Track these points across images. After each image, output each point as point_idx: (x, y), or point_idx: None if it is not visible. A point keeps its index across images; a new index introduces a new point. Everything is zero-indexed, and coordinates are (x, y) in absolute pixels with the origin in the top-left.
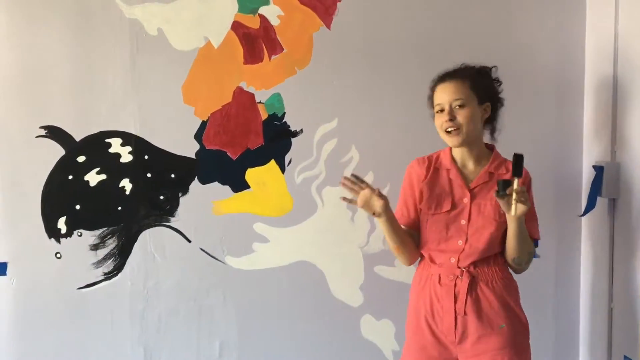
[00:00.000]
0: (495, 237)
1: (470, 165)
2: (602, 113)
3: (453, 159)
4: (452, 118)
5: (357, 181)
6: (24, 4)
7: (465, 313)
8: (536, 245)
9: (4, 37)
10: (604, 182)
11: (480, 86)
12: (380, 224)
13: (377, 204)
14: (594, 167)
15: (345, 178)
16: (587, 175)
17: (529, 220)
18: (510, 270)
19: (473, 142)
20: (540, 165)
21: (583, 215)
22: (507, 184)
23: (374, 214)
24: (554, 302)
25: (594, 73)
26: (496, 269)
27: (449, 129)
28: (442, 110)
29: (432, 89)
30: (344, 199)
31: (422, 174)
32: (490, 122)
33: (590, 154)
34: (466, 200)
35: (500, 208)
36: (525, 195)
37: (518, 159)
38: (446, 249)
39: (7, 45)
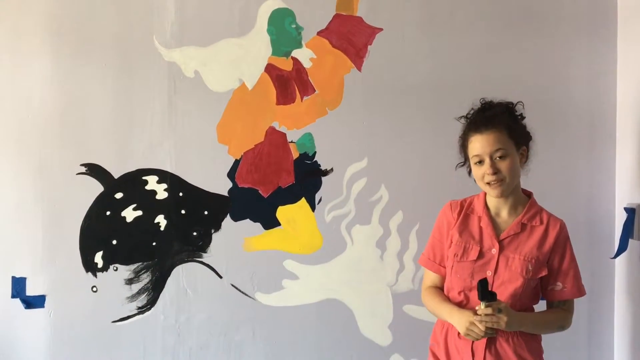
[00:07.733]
0: (519, 293)
1: (504, 213)
2: (634, 154)
3: (486, 206)
4: (496, 171)
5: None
6: (68, 47)
7: None
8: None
9: (48, 78)
10: (636, 224)
11: (516, 132)
12: None
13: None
14: (625, 209)
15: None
16: (619, 218)
17: (570, 279)
18: None
19: (511, 191)
20: (572, 207)
21: (615, 257)
22: (487, 295)
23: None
24: (587, 350)
25: (626, 114)
26: None
27: (492, 182)
28: (481, 162)
29: (465, 139)
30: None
31: (453, 219)
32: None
33: (622, 195)
34: (494, 251)
35: (529, 264)
36: (495, 319)
37: (482, 284)
38: (469, 299)
39: (51, 85)
